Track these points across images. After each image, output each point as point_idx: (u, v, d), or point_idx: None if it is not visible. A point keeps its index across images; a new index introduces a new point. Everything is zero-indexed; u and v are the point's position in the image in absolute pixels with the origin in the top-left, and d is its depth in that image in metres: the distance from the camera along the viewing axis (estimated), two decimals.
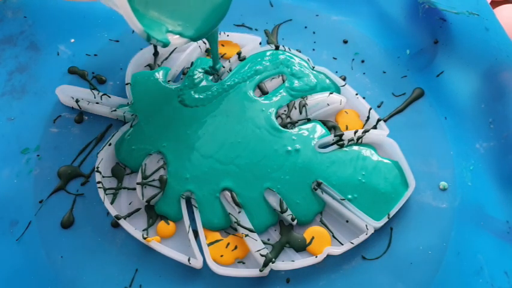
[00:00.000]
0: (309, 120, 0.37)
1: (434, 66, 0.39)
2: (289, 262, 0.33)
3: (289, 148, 0.35)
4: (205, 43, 0.40)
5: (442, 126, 0.38)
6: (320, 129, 0.37)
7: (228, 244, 0.34)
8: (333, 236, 0.34)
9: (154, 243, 0.33)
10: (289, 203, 0.34)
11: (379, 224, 0.34)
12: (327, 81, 0.38)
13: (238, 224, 0.34)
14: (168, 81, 0.38)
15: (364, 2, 0.42)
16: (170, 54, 0.40)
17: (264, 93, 0.38)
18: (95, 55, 0.40)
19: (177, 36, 0.33)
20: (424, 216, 0.35)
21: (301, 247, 0.34)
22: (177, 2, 0.33)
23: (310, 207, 0.34)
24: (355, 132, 0.36)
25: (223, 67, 0.39)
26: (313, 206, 0.34)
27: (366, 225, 0.34)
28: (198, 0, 0.34)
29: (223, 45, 0.40)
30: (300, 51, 0.40)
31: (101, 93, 0.38)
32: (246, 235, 0.33)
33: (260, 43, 0.40)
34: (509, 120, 0.36)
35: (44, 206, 0.35)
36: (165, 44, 0.32)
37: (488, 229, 0.34)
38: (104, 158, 0.36)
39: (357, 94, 0.38)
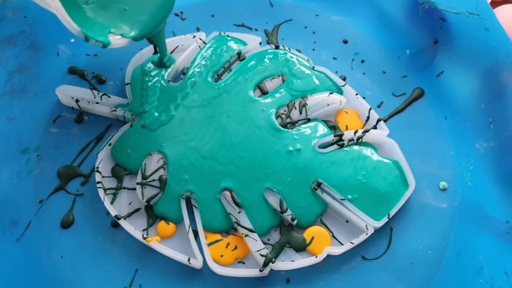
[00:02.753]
0: (309, 120, 0.37)
1: (434, 66, 0.39)
2: (289, 262, 0.33)
3: (291, 148, 0.35)
4: (204, 43, 0.40)
5: (442, 126, 0.38)
6: (322, 128, 0.36)
7: (228, 244, 0.34)
8: (333, 236, 0.34)
9: (154, 243, 0.33)
10: (291, 207, 0.34)
11: (379, 224, 0.34)
12: (329, 82, 0.38)
13: (238, 224, 0.34)
14: (168, 81, 0.38)
15: (364, 2, 0.42)
16: (170, 53, 0.40)
17: (264, 93, 0.38)
18: (95, 55, 0.40)
19: (119, 36, 0.33)
20: (424, 216, 0.35)
21: (301, 247, 0.34)
22: (118, 3, 0.33)
23: (312, 210, 0.34)
24: (355, 132, 0.36)
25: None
26: (316, 209, 0.34)
27: (366, 225, 0.34)
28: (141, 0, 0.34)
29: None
30: (300, 51, 0.40)
31: (101, 93, 0.38)
32: (246, 235, 0.33)
33: (260, 43, 0.40)
34: (509, 120, 0.36)
35: (44, 206, 0.35)
36: (105, 45, 0.32)
37: (488, 229, 0.34)
38: (104, 158, 0.36)
39: (357, 94, 0.38)
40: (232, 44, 0.40)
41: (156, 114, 0.37)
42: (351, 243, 0.34)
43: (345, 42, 0.41)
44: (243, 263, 0.34)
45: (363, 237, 0.34)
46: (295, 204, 0.34)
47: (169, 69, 0.38)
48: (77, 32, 0.30)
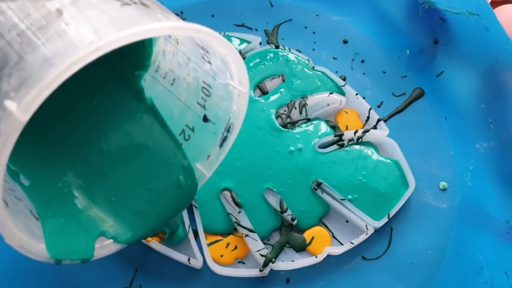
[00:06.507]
0: (309, 120, 0.37)
1: (434, 66, 0.39)
2: (289, 262, 0.33)
3: (292, 148, 0.35)
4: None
5: (442, 126, 0.38)
6: (324, 127, 0.36)
7: (228, 244, 0.34)
8: (333, 236, 0.34)
9: (154, 243, 0.33)
10: (293, 209, 0.34)
11: (379, 224, 0.34)
12: (330, 82, 0.38)
13: (239, 224, 0.34)
14: None
15: (364, 2, 0.42)
16: None
17: (264, 93, 0.38)
18: None
19: (110, 241, 0.24)
20: (424, 216, 0.35)
21: (301, 247, 0.34)
22: (126, 191, 0.24)
23: (314, 213, 0.34)
24: (355, 132, 0.36)
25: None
26: (317, 211, 0.34)
27: (366, 225, 0.34)
28: (156, 189, 0.25)
29: None
30: (300, 51, 0.40)
31: None
32: (246, 235, 0.33)
33: (260, 43, 0.40)
34: (509, 120, 0.36)
35: None
36: (85, 261, 0.22)
37: (488, 229, 0.34)
38: None
39: (357, 94, 0.38)
40: (233, 43, 0.40)
41: None
42: (351, 243, 0.34)
43: (345, 42, 0.41)
44: (243, 263, 0.34)
45: (362, 237, 0.34)
46: (297, 208, 0.34)
47: None
48: (44, 258, 0.20)
